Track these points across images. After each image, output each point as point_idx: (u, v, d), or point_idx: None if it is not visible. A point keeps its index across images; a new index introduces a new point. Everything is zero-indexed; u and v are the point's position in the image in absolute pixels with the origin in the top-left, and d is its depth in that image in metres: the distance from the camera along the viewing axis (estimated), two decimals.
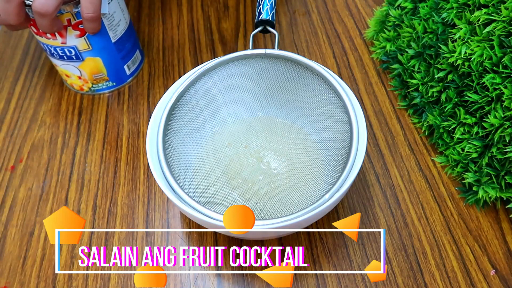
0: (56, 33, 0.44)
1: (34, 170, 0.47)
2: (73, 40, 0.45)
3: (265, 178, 0.42)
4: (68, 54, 0.47)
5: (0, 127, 0.52)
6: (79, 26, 0.44)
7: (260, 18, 0.43)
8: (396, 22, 0.51)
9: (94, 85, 0.51)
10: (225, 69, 0.42)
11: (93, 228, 0.42)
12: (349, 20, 0.60)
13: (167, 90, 0.40)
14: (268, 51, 0.41)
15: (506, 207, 0.41)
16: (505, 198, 0.40)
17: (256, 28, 0.43)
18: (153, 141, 0.37)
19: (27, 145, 0.49)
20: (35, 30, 0.45)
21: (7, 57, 0.59)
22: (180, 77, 0.42)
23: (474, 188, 0.41)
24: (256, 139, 0.45)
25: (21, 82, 0.56)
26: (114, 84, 0.53)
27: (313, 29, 0.59)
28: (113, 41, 0.48)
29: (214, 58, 0.45)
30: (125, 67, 0.52)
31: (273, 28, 0.43)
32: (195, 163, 0.42)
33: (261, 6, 0.43)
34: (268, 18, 0.42)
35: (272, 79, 0.43)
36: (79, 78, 0.50)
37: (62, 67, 0.49)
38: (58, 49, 0.46)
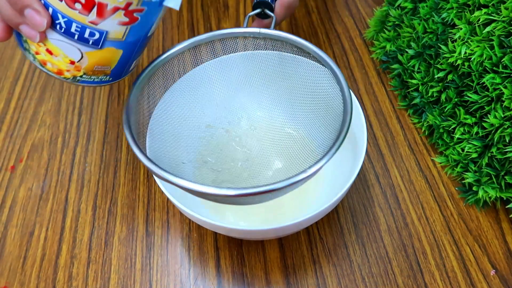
0: (94, 9, 0.35)
1: (34, 170, 0.47)
2: (111, 25, 0.36)
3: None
4: (86, 35, 0.37)
5: (0, 127, 0.52)
6: (134, 14, 0.37)
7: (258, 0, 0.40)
8: (396, 22, 0.51)
9: (84, 75, 0.41)
10: (217, 46, 0.41)
11: (93, 228, 0.42)
12: (349, 20, 0.60)
13: (167, 90, 0.40)
14: (263, 30, 0.39)
15: (506, 207, 0.41)
16: (505, 198, 0.40)
17: (254, 10, 0.41)
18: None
19: (27, 145, 0.49)
20: None
21: (7, 57, 0.59)
22: (180, 77, 0.42)
23: (474, 188, 0.41)
24: (256, 138, 0.44)
25: (21, 82, 0.56)
26: (110, 79, 0.44)
27: (313, 29, 0.59)
28: (147, 35, 0.41)
29: (214, 58, 0.45)
30: (134, 63, 0.44)
31: (272, 11, 0.41)
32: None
33: None
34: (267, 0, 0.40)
35: (267, 73, 0.42)
36: (71, 63, 0.40)
37: (55, 43, 0.38)
38: (76, 25, 0.36)
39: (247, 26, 0.40)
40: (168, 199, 0.44)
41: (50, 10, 0.35)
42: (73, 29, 0.37)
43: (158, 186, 0.37)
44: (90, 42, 0.38)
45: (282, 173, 0.40)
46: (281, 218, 0.41)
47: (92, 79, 0.42)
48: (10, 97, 0.55)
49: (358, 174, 0.45)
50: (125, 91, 0.54)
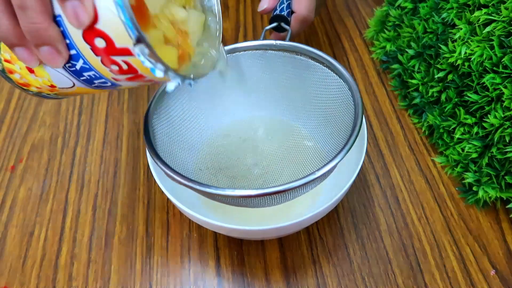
0: (129, 75, 0.30)
1: (34, 170, 0.47)
2: (130, 84, 0.32)
3: (268, 178, 0.42)
4: (95, 81, 0.31)
5: (0, 127, 0.52)
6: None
7: (275, 14, 0.42)
8: (396, 22, 0.51)
9: (51, 94, 0.35)
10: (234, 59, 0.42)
11: (93, 228, 0.42)
12: (349, 20, 0.60)
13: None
14: (279, 42, 0.40)
15: (506, 207, 0.41)
16: (505, 198, 0.40)
17: (271, 24, 0.43)
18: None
19: (27, 145, 0.49)
20: (102, 46, 0.27)
21: None
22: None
23: (474, 188, 0.41)
24: (273, 147, 0.45)
25: None
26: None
27: (313, 29, 0.59)
28: None
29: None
30: None
31: (288, 25, 0.43)
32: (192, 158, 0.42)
33: (283, 4, 0.43)
34: (283, 14, 0.42)
35: (278, 77, 0.43)
36: (51, 86, 0.34)
37: (49, 71, 0.31)
38: (95, 73, 0.30)
39: (263, 39, 0.41)
40: (168, 199, 0.44)
41: (73, 51, 0.28)
42: (86, 74, 0.31)
43: (158, 186, 0.37)
44: (94, 85, 0.32)
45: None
46: (281, 218, 0.41)
47: (56, 96, 0.37)
48: (10, 97, 0.55)
49: (358, 174, 0.45)
50: (126, 90, 0.54)
